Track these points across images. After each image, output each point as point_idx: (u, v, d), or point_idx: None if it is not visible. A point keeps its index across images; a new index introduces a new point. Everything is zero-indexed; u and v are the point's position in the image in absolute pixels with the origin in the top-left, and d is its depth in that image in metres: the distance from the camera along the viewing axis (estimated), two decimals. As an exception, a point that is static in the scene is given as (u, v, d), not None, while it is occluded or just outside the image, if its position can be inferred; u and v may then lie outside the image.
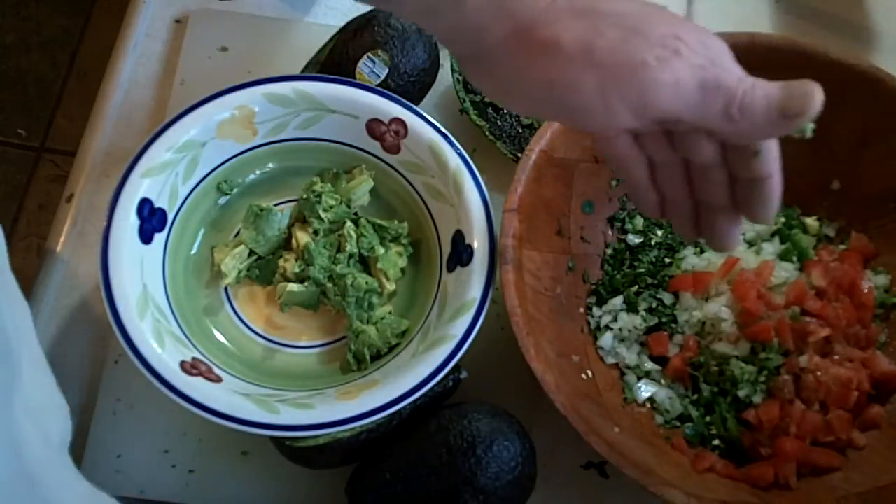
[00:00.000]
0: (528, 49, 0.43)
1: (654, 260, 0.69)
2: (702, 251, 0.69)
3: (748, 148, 0.44)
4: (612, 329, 0.66)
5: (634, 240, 0.69)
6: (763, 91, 0.42)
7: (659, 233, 0.70)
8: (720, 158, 0.46)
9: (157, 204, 0.63)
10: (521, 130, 0.74)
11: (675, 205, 0.50)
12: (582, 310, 0.67)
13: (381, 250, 0.66)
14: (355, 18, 0.72)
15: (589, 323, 0.67)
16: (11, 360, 0.44)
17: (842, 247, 0.68)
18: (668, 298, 0.66)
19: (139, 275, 0.61)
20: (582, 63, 0.42)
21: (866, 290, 0.64)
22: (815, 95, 0.41)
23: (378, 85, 0.68)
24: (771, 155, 0.45)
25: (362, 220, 0.67)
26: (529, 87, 0.44)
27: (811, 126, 0.42)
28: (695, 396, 0.64)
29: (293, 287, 0.65)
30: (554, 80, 0.43)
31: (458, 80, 0.74)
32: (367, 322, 0.64)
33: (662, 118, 0.43)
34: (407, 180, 0.68)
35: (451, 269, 0.64)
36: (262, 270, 0.67)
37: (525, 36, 0.43)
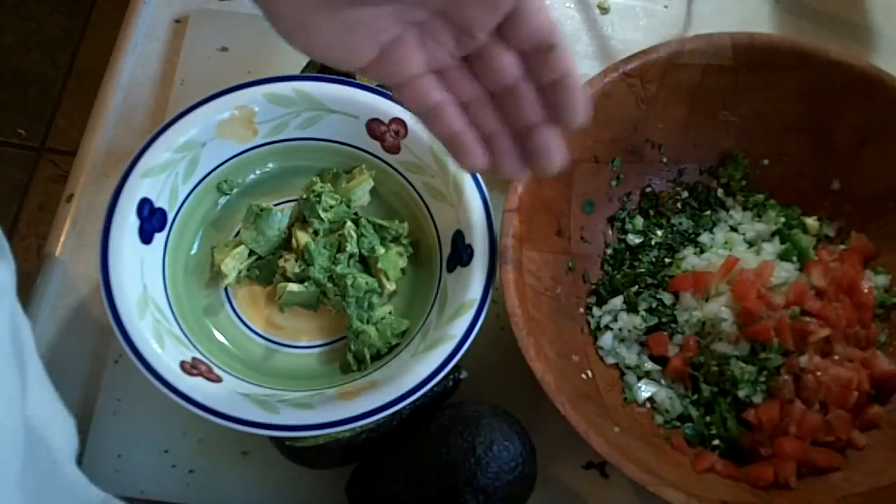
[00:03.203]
0: None
1: (654, 260, 0.69)
2: (702, 251, 0.69)
3: (544, 45, 0.45)
4: (612, 329, 0.66)
5: (634, 240, 0.69)
6: None
7: (659, 233, 0.70)
8: (522, 71, 0.46)
9: (157, 204, 0.63)
10: (521, 130, 0.74)
11: (496, 140, 0.49)
12: (582, 310, 0.67)
13: (382, 250, 0.66)
14: (355, 18, 0.72)
15: (589, 323, 0.67)
16: (24, 371, 0.44)
17: (842, 247, 0.68)
18: (668, 298, 0.66)
19: (139, 275, 0.61)
20: None
21: (866, 290, 0.64)
22: None
23: (378, 85, 0.68)
24: (566, 51, 0.45)
25: (362, 220, 0.67)
26: None
27: None
28: (695, 396, 0.64)
29: (293, 287, 0.65)
30: None
31: (458, 80, 0.73)
32: (367, 322, 0.64)
33: None
34: (407, 180, 0.68)
35: (451, 269, 0.64)
36: (262, 270, 0.67)
37: None
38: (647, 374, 0.65)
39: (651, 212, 0.71)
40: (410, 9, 0.43)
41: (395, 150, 0.67)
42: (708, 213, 0.71)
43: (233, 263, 0.65)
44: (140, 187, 0.62)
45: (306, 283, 0.65)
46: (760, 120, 0.69)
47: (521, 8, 0.44)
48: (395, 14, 0.42)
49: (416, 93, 0.47)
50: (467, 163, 0.49)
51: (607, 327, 0.66)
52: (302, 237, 0.66)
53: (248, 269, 0.66)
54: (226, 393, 0.57)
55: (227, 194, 0.68)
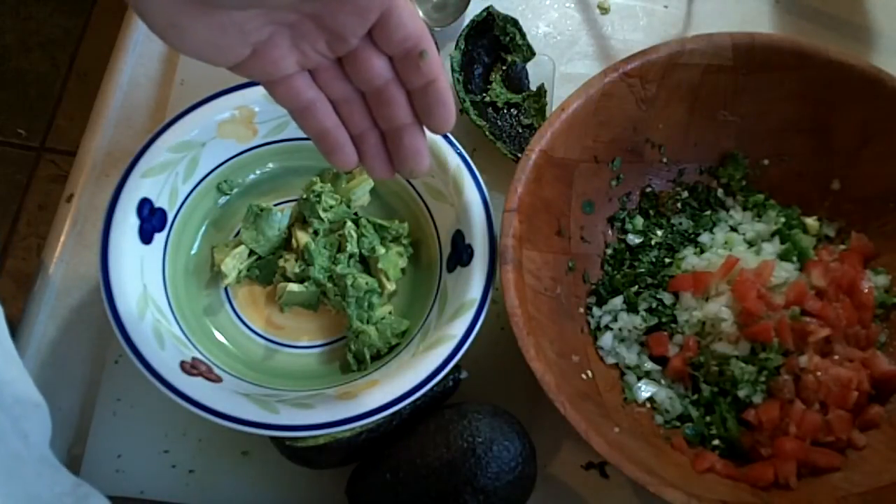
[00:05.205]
0: None
1: (654, 260, 0.69)
2: (702, 251, 0.69)
3: (414, 51, 0.46)
4: (612, 329, 0.66)
5: (634, 240, 0.69)
6: None
7: (659, 233, 0.70)
8: (392, 74, 0.48)
9: (157, 204, 0.63)
10: (521, 130, 0.74)
11: (365, 139, 0.50)
12: (582, 310, 0.67)
13: (382, 250, 0.66)
14: (355, 18, 0.72)
15: (589, 323, 0.67)
16: None
17: (842, 247, 0.68)
18: (668, 298, 0.66)
19: (139, 275, 0.61)
20: None
21: (866, 290, 0.64)
22: None
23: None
24: (434, 56, 0.47)
25: (362, 220, 0.67)
26: None
27: None
28: (695, 396, 0.64)
29: (293, 287, 0.65)
30: None
31: (457, 80, 0.74)
32: (367, 322, 0.64)
33: None
34: (407, 180, 0.68)
35: (451, 269, 0.64)
36: (262, 270, 0.67)
37: None
38: (647, 374, 0.65)
39: (651, 212, 0.71)
40: (281, 11, 0.43)
41: (395, 150, 0.67)
42: (708, 213, 0.71)
43: (233, 263, 0.65)
44: (140, 187, 0.62)
45: (306, 283, 0.65)
46: (760, 120, 0.69)
47: (392, 15, 0.45)
48: (266, 15, 0.43)
49: (288, 90, 0.47)
50: (337, 160, 0.50)
51: (607, 327, 0.66)
52: (302, 237, 0.66)
53: (248, 269, 0.66)
54: (226, 393, 0.57)
55: (227, 194, 0.68)
